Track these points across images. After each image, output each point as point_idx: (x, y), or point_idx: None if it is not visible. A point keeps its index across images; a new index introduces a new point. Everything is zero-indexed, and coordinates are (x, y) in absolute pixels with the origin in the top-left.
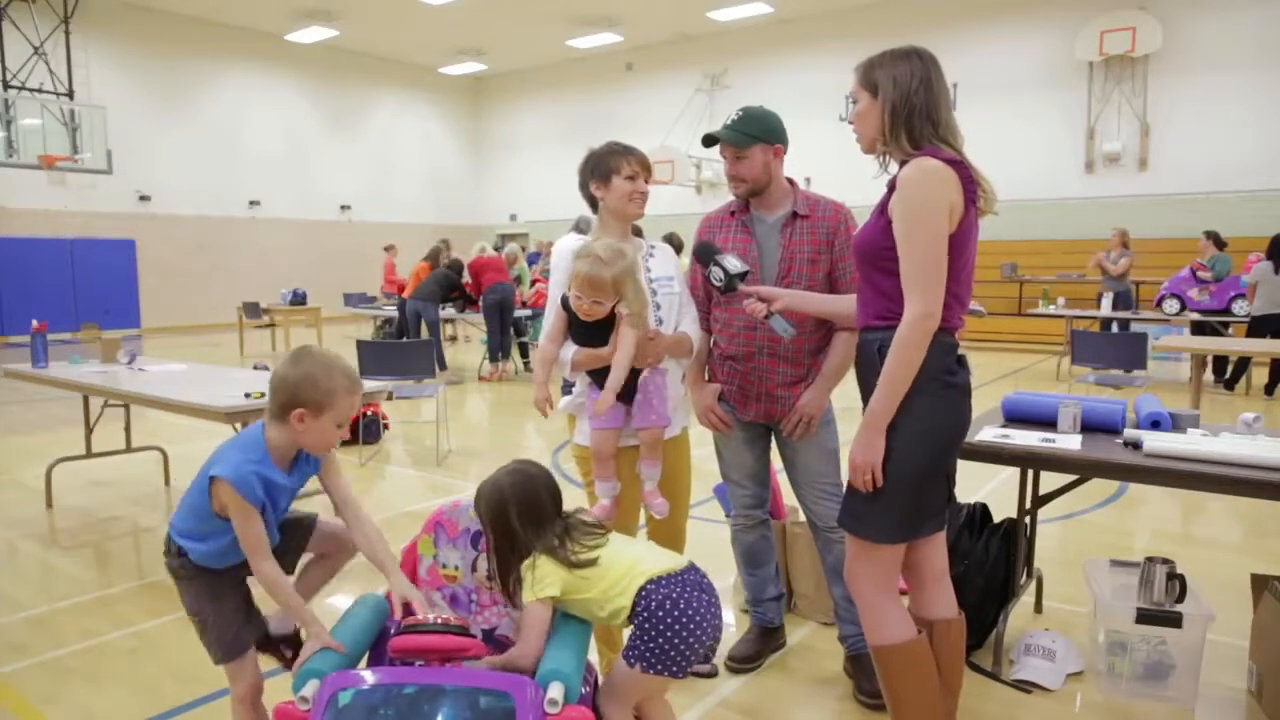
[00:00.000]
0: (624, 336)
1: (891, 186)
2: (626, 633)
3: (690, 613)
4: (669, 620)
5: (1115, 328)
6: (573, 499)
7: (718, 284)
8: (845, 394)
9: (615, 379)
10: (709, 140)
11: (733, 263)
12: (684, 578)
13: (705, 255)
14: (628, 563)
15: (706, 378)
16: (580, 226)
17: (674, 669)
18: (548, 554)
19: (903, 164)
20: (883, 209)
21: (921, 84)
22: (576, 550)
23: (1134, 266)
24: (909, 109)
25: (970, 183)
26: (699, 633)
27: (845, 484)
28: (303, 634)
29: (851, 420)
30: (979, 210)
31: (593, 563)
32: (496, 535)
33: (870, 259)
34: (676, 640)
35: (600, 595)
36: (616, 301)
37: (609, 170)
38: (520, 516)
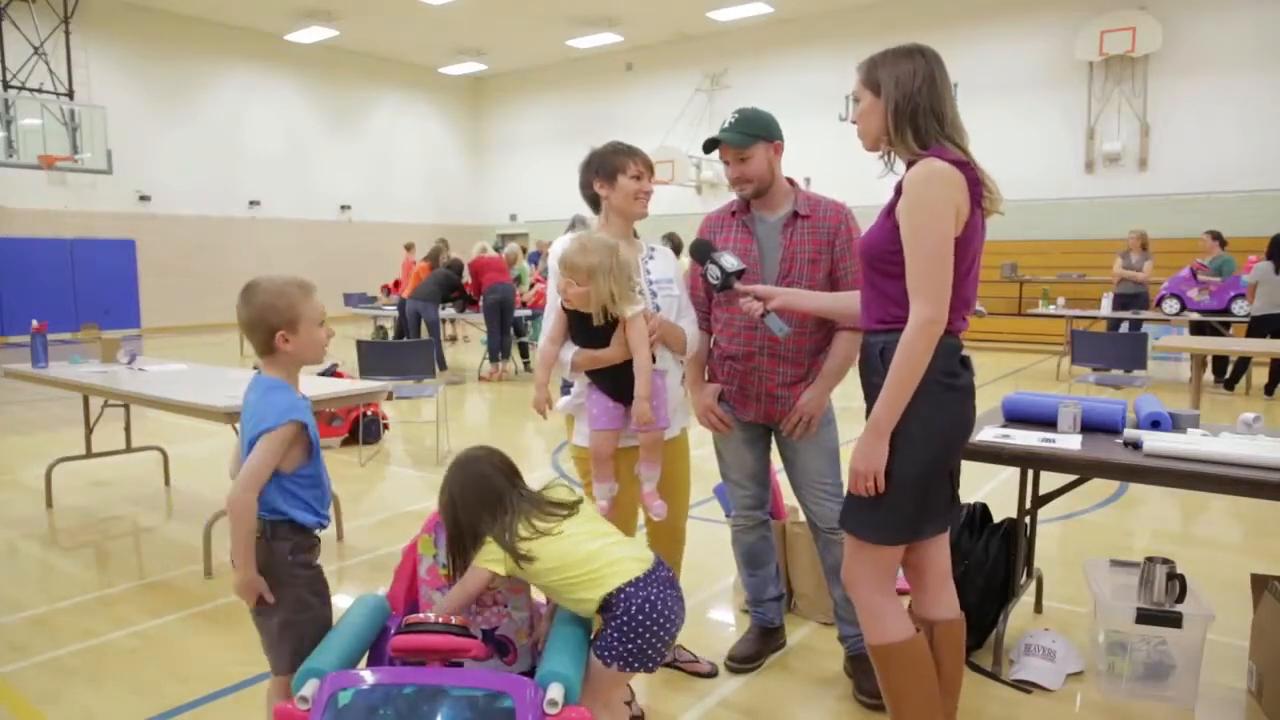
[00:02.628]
0: (637, 341)
1: (898, 190)
2: None
3: (666, 612)
4: (648, 623)
5: (1126, 327)
6: None
7: (714, 282)
8: (846, 394)
9: (642, 386)
10: (710, 145)
11: (729, 260)
12: (655, 575)
13: (702, 253)
14: (585, 556)
15: (706, 378)
16: (576, 226)
17: (650, 665)
18: (496, 540)
19: (909, 164)
20: (889, 212)
21: (925, 82)
22: (522, 538)
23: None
24: (913, 107)
25: (976, 184)
26: (670, 628)
27: (846, 485)
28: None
29: (852, 420)
30: (984, 211)
31: (530, 558)
32: (449, 531)
33: (875, 262)
34: (654, 639)
35: (554, 585)
36: (588, 290)
37: (614, 169)
38: (465, 511)
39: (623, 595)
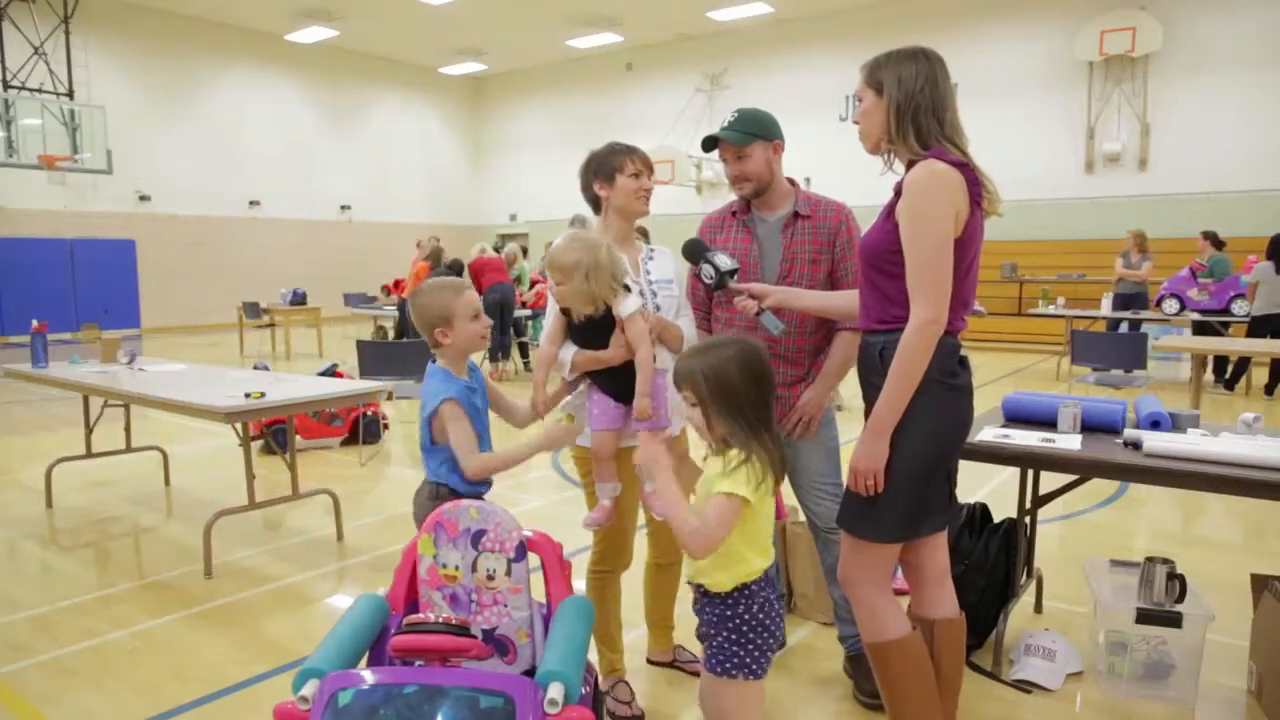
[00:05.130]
0: (637, 338)
1: (898, 191)
2: (631, 636)
3: (777, 617)
4: (766, 626)
5: (1126, 327)
6: (572, 500)
7: (708, 281)
8: (846, 394)
9: (643, 382)
10: (709, 144)
11: (722, 260)
12: (769, 574)
13: (695, 253)
14: (762, 525)
15: None
16: (576, 226)
17: (762, 671)
18: (762, 455)
19: (910, 164)
20: (889, 212)
21: (927, 83)
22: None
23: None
24: (914, 107)
25: (976, 185)
26: (779, 634)
27: (845, 484)
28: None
29: (852, 420)
30: (984, 212)
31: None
32: (722, 398)
33: (875, 262)
34: (765, 646)
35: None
36: (572, 288)
37: (613, 169)
38: (750, 396)
39: (747, 592)
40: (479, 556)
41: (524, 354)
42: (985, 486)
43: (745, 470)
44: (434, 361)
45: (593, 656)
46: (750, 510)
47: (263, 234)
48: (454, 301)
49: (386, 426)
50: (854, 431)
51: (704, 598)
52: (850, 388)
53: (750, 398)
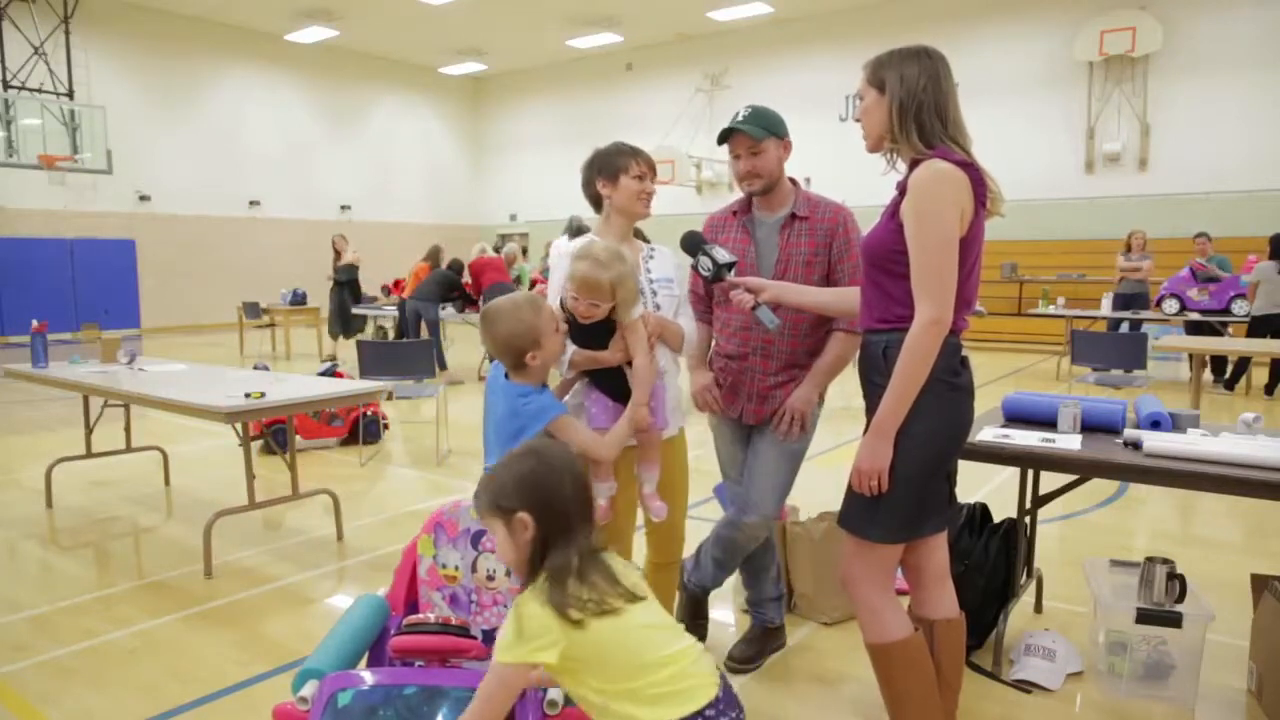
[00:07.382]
0: (637, 346)
1: (902, 190)
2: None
3: None
4: None
5: (1126, 327)
6: None
7: (705, 274)
8: (844, 393)
9: (641, 391)
10: (725, 135)
11: (720, 253)
12: (729, 691)
13: (693, 245)
14: (662, 659)
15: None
16: (574, 226)
17: None
18: (552, 586)
19: (913, 164)
20: (893, 212)
21: (929, 81)
22: (578, 598)
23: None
24: (917, 105)
25: (981, 185)
26: None
27: (847, 484)
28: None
29: (851, 420)
30: (987, 212)
31: (580, 624)
32: (541, 520)
33: (878, 262)
34: None
35: (604, 692)
36: (613, 305)
37: (617, 169)
38: (547, 511)
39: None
40: (479, 557)
41: None
42: (985, 486)
43: (518, 622)
44: (505, 378)
45: None
46: (572, 658)
47: (263, 234)
48: (538, 320)
49: (386, 426)
50: (854, 431)
51: None
52: (850, 384)
53: (581, 513)
